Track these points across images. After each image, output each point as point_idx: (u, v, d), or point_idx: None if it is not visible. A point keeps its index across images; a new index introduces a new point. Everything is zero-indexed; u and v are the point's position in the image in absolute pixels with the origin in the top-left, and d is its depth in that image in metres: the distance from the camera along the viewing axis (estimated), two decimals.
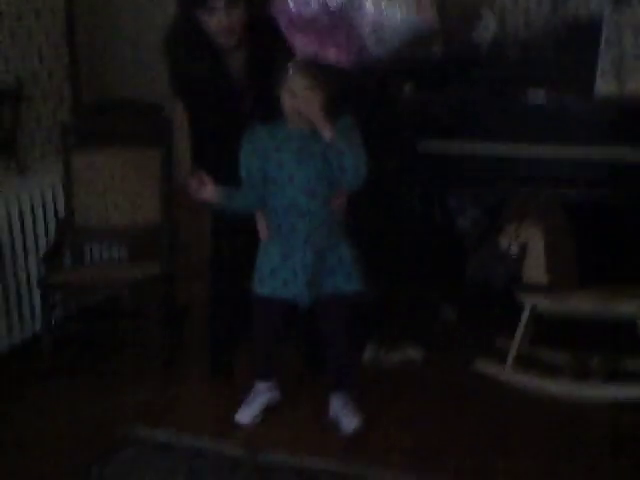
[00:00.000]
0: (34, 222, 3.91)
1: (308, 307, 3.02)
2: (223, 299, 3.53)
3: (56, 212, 4.01)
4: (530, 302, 3.48)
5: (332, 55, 3.24)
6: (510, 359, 3.50)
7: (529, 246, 3.50)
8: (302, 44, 3.22)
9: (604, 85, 3.68)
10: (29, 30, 4.20)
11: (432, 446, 3.07)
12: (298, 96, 2.83)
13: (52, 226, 3.99)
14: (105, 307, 4.00)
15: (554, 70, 3.87)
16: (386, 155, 3.73)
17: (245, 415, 3.19)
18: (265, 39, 3.17)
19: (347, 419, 3.13)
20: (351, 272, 3.01)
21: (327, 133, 2.80)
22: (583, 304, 3.44)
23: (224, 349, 3.62)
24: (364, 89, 3.46)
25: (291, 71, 2.87)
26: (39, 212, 3.93)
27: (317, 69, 2.90)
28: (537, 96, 3.81)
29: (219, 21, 3.02)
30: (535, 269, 3.49)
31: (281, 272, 2.98)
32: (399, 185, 3.97)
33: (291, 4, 3.23)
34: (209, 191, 2.96)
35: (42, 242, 3.94)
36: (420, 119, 3.80)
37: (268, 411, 3.25)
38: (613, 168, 3.55)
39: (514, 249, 3.53)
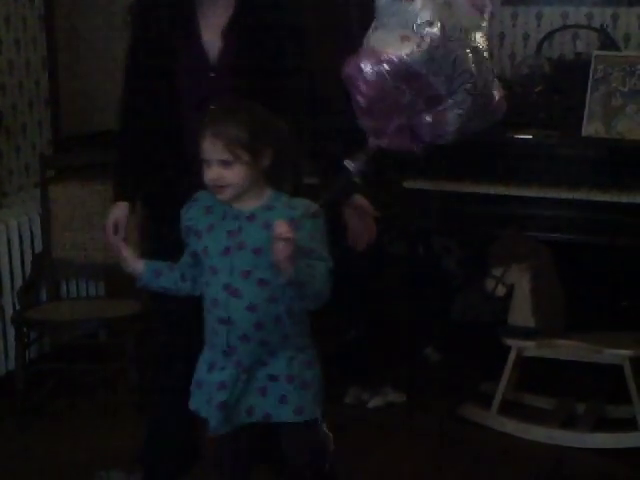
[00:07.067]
0: (10, 256, 3.80)
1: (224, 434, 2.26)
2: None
3: (33, 246, 3.92)
4: (516, 346, 3.42)
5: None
6: (495, 404, 3.43)
7: (515, 288, 3.45)
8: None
9: (591, 126, 3.67)
10: (9, 60, 4.14)
11: None
12: (213, 167, 2.13)
13: (28, 260, 3.89)
14: (81, 345, 3.90)
15: (540, 111, 3.85)
16: (372, 192, 3.68)
17: None
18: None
19: None
20: (286, 395, 2.20)
21: (284, 275, 2.04)
22: (570, 349, 3.40)
23: None
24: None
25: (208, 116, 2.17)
26: (15, 245, 3.83)
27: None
28: (523, 136, 3.79)
29: None
30: (521, 312, 3.44)
31: (205, 386, 2.25)
32: (383, 224, 3.91)
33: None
34: (129, 262, 2.30)
35: (18, 276, 3.84)
36: (406, 158, 3.77)
37: None
38: (601, 210, 3.53)
39: (500, 291, 3.47)
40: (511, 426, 3.39)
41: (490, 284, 3.48)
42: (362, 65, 2.14)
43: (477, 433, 3.40)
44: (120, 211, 2.64)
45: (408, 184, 3.76)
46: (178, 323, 2.67)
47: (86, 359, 3.82)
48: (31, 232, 3.91)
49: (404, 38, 2.12)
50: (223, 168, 2.11)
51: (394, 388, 3.67)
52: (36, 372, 3.70)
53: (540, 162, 3.73)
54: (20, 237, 3.86)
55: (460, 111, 2.21)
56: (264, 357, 2.20)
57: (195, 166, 2.47)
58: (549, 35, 4.27)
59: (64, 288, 4.06)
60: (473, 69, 2.18)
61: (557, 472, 3.14)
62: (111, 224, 2.61)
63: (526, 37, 4.41)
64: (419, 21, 2.12)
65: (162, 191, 2.65)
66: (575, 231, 3.60)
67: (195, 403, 2.29)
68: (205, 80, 2.53)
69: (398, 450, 3.29)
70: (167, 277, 2.30)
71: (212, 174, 2.13)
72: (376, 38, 2.18)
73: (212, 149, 2.11)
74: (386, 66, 2.12)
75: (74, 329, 3.81)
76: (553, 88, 3.94)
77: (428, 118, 2.26)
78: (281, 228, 1.97)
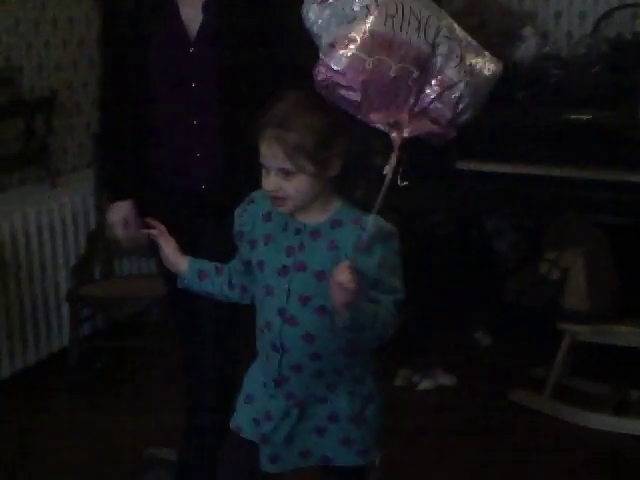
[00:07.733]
0: (64, 234, 3.86)
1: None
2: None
3: (87, 224, 3.97)
4: (570, 330, 3.37)
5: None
6: (548, 389, 3.39)
7: (570, 272, 3.41)
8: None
9: None
10: (64, 40, 4.17)
11: (465, 478, 2.99)
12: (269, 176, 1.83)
13: (82, 238, 3.94)
14: (133, 322, 3.94)
15: (597, 91, 3.78)
16: (425, 173, 3.66)
17: None
18: None
19: None
20: (350, 436, 1.92)
21: (339, 320, 1.73)
22: (624, 334, 3.35)
23: None
24: None
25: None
26: (70, 224, 3.88)
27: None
28: (579, 117, 3.73)
29: None
30: (576, 296, 3.39)
31: (256, 403, 1.97)
32: (436, 205, 3.90)
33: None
34: (171, 258, 2.01)
35: (72, 255, 3.89)
36: (460, 138, 3.73)
37: None
38: None
39: (554, 274, 3.43)
40: (564, 411, 3.34)
41: (544, 267, 3.44)
42: (330, 62, 1.83)
43: (528, 418, 3.36)
44: (124, 210, 2.47)
45: (461, 165, 3.73)
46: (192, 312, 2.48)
47: (138, 336, 3.86)
48: (85, 211, 3.96)
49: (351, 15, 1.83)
50: (283, 178, 1.80)
51: (445, 371, 3.65)
52: (89, 349, 3.75)
53: (596, 143, 3.67)
54: (74, 216, 3.91)
55: (453, 63, 1.94)
56: (321, 392, 1.91)
57: (170, 149, 2.41)
58: (607, 14, 4.19)
59: (117, 266, 4.10)
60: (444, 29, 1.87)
61: (610, 459, 3.10)
62: (122, 224, 2.47)
63: (583, 16, 4.33)
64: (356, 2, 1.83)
65: (142, 180, 2.47)
66: (631, 214, 3.54)
67: (239, 420, 2.00)
68: (184, 56, 2.37)
69: (448, 433, 3.27)
70: (213, 281, 2.02)
71: (270, 184, 1.82)
72: (327, 36, 1.87)
73: (271, 155, 1.80)
74: (353, 46, 1.82)
75: (127, 306, 3.85)
76: (610, 68, 3.87)
77: (433, 88, 1.97)
78: (343, 276, 1.66)
